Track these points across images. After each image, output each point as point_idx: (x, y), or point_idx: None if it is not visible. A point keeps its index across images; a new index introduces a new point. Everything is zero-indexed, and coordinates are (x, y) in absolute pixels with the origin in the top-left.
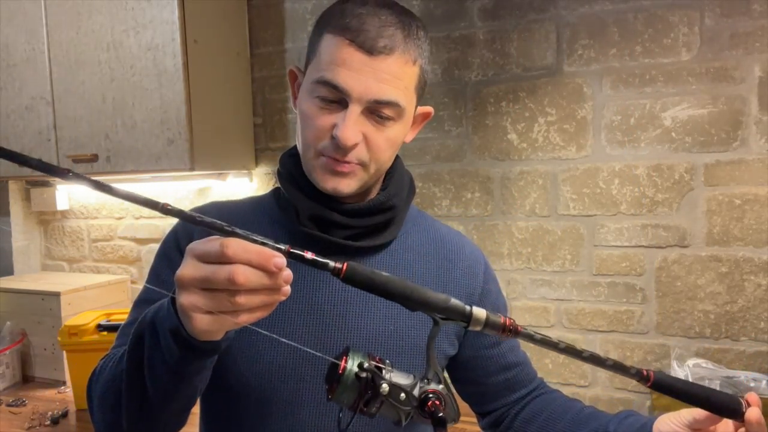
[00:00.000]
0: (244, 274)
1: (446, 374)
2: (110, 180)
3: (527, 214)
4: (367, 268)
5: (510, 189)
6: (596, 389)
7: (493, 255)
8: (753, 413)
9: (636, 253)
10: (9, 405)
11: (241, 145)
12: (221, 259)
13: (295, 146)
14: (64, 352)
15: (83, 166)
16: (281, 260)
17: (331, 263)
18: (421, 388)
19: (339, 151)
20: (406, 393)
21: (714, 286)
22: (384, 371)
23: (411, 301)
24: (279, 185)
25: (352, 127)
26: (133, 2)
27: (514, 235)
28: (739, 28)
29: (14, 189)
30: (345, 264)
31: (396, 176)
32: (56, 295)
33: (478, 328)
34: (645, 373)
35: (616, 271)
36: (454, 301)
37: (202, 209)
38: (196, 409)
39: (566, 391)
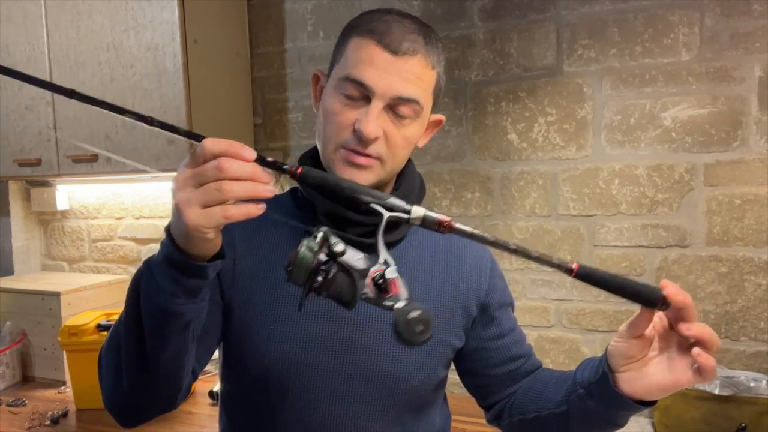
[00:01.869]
0: (227, 161)
1: (453, 367)
2: (111, 180)
3: (527, 214)
4: (319, 172)
5: (510, 189)
6: None
7: (494, 255)
8: (672, 290)
9: (636, 253)
10: (9, 405)
11: None
12: (205, 155)
13: (314, 147)
14: (64, 352)
15: (83, 166)
16: (251, 150)
17: (287, 166)
18: (371, 267)
19: (360, 143)
20: (361, 256)
21: (714, 286)
22: (340, 243)
23: (358, 194)
24: (296, 185)
25: (374, 121)
26: (133, 2)
27: (514, 235)
28: (739, 28)
29: (14, 189)
30: (300, 167)
31: (408, 177)
32: (56, 295)
33: (418, 223)
34: (569, 265)
35: (616, 271)
36: (393, 199)
37: None
38: (212, 411)
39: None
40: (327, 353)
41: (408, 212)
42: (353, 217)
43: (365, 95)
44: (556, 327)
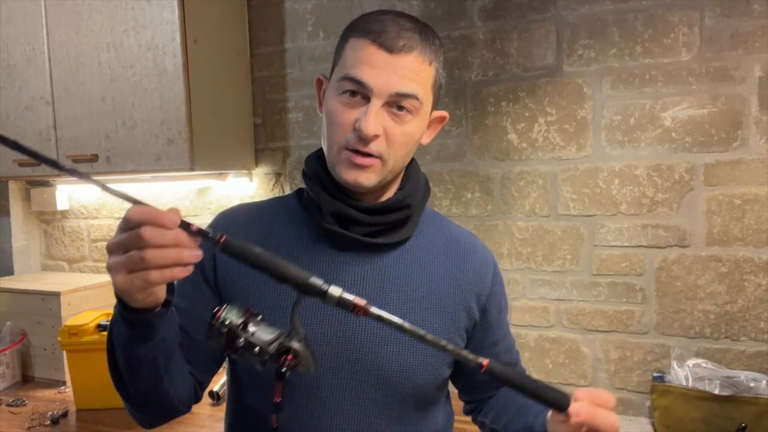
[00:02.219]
0: (148, 231)
1: None
2: (111, 180)
3: (527, 214)
4: (242, 242)
5: (510, 189)
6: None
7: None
8: (576, 408)
9: (636, 253)
10: (9, 405)
11: (241, 145)
12: (130, 224)
13: (320, 149)
14: (64, 352)
15: (83, 166)
16: (175, 216)
17: (212, 234)
18: (281, 343)
19: (361, 141)
20: (261, 348)
21: (714, 286)
22: (250, 325)
23: (276, 275)
24: (303, 186)
25: (373, 119)
26: (133, 2)
27: (514, 235)
28: (739, 28)
29: (14, 189)
30: (224, 236)
31: (412, 177)
32: (56, 295)
33: (333, 304)
34: (480, 361)
35: (616, 271)
36: (313, 279)
37: (232, 211)
38: (212, 411)
39: (566, 391)
40: (332, 352)
41: (324, 293)
42: (358, 216)
43: (365, 94)
44: (556, 327)
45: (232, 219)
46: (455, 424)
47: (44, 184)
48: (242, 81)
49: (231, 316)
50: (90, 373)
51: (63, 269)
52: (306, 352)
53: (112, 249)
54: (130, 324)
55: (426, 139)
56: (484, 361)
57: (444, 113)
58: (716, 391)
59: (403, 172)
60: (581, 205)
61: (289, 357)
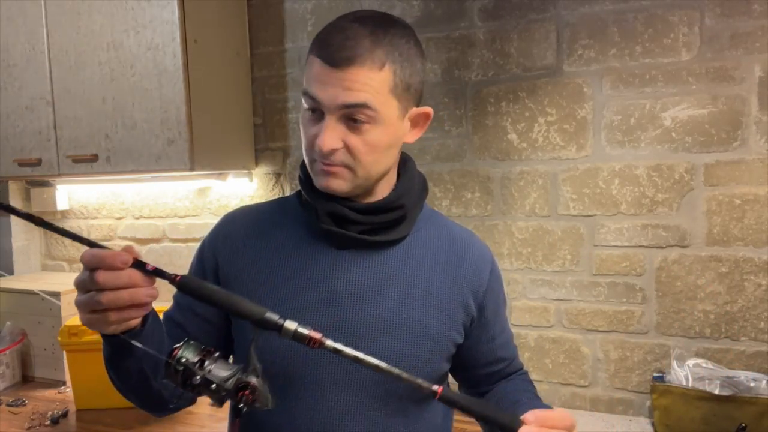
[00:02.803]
0: (102, 275)
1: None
2: (111, 180)
3: (527, 214)
4: (198, 281)
5: (510, 189)
6: (596, 389)
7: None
8: (526, 430)
9: (636, 253)
10: (9, 405)
11: (241, 145)
12: (87, 266)
13: None
14: (64, 352)
15: (83, 166)
16: (126, 257)
17: (168, 273)
18: (238, 379)
19: (323, 156)
20: (218, 385)
21: (714, 286)
22: (206, 363)
23: (232, 311)
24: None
25: (328, 134)
26: (133, 2)
27: (514, 235)
28: (739, 28)
29: (14, 189)
30: (179, 276)
31: (406, 177)
32: (56, 295)
33: (289, 337)
34: (434, 388)
35: (616, 271)
36: (269, 315)
37: (234, 214)
38: (212, 411)
39: (566, 391)
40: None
41: (280, 327)
42: (351, 216)
43: (320, 110)
44: (556, 327)
45: (234, 223)
46: (455, 424)
47: (44, 184)
48: (242, 81)
49: (187, 354)
50: (90, 373)
51: (63, 269)
52: (264, 387)
53: (77, 287)
54: (110, 345)
55: (411, 138)
56: (438, 389)
57: (426, 109)
58: (716, 391)
59: (396, 172)
60: (581, 205)
61: (247, 393)
